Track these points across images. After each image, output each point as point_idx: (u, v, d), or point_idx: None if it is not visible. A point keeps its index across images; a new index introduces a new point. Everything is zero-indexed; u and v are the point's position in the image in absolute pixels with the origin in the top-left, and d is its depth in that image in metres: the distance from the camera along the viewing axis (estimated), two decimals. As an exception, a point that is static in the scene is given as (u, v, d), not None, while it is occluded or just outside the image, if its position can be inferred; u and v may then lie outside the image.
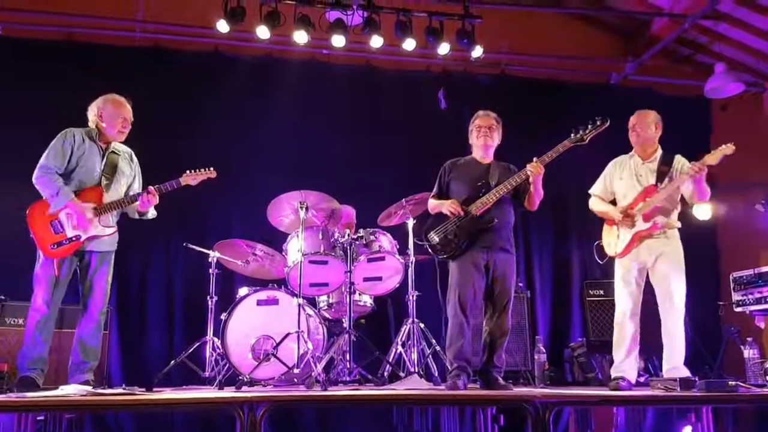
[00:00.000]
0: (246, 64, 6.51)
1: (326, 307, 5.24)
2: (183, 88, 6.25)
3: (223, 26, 5.61)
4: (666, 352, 4.18)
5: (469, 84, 6.89)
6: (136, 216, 4.37)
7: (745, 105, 7.11)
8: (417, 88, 6.78)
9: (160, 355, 5.60)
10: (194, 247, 5.20)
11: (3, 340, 4.72)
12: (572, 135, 4.16)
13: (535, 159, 4.07)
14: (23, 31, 6.09)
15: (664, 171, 4.36)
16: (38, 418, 3.87)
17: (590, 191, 4.67)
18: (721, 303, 5.86)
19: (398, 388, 4.23)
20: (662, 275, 4.23)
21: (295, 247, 4.87)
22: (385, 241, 5.10)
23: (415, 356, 4.74)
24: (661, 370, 4.31)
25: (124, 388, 4.19)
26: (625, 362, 4.22)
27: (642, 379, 4.72)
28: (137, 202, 4.22)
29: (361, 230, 5.07)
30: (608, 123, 4.18)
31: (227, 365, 4.62)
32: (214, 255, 5.14)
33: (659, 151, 4.45)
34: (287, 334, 4.35)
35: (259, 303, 4.70)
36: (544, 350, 5.42)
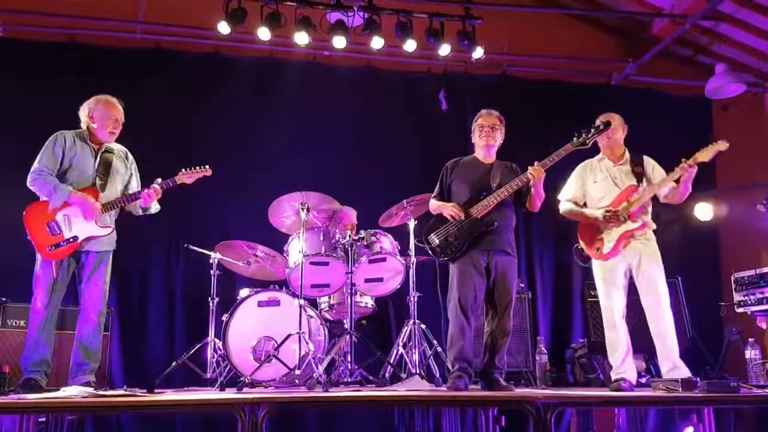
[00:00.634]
0: (247, 65, 6.51)
1: (327, 309, 5.25)
2: (184, 89, 6.26)
3: (224, 28, 5.61)
4: (662, 352, 4.16)
5: (470, 85, 6.89)
6: (140, 212, 4.37)
7: (746, 105, 7.11)
8: (418, 89, 6.79)
9: (162, 357, 5.60)
10: (195, 248, 5.20)
11: (4, 342, 4.72)
12: (574, 139, 4.15)
13: (536, 163, 4.07)
14: (24, 32, 6.09)
15: (639, 171, 4.39)
16: (40, 419, 3.89)
17: (560, 197, 4.62)
18: (722, 303, 5.85)
19: (399, 390, 4.22)
20: (649, 276, 4.22)
21: (297, 249, 4.87)
22: (386, 242, 5.10)
23: (416, 357, 4.73)
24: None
25: (125, 390, 4.20)
26: (624, 364, 4.21)
27: (643, 380, 4.72)
28: (140, 200, 4.23)
29: (362, 231, 5.06)
30: (611, 127, 4.18)
31: (228, 366, 4.62)
32: (215, 256, 5.14)
33: (627, 153, 4.47)
34: (288, 336, 4.35)
35: (261, 304, 4.70)
36: (545, 351, 5.42)
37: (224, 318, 4.70)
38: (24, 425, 3.59)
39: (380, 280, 5.05)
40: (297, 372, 4.27)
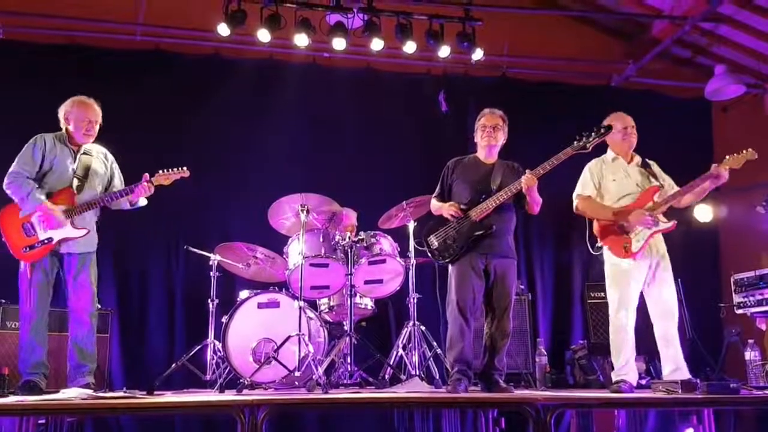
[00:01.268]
0: (247, 67, 6.51)
1: (327, 310, 5.25)
2: (184, 90, 6.25)
3: (223, 29, 5.61)
4: (667, 354, 4.16)
5: (470, 86, 6.88)
6: (128, 206, 4.38)
7: (745, 107, 7.11)
8: (418, 91, 6.78)
9: (161, 359, 5.60)
10: (195, 250, 5.20)
11: (3, 344, 4.72)
12: (575, 143, 4.12)
13: (528, 171, 4.06)
14: (24, 33, 6.09)
15: (652, 173, 4.39)
16: (39, 421, 3.88)
17: (578, 193, 4.53)
18: (722, 305, 5.85)
19: (399, 391, 4.22)
20: (665, 279, 4.24)
21: (296, 250, 4.87)
22: (386, 243, 5.10)
23: (416, 359, 4.73)
24: (662, 372, 4.31)
25: (125, 392, 4.20)
26: (627, 366, 4.21)
27: (643, 382, 4.71)
28: (129, 195, 4.23)
29: (362, 233, 5.06)
30: (612, 130, 4.16)
31: (228, 368, 4.62)
32: (214, 258, 5.14)
33: (636, 155, 4.49)
34: (288, 337, 4.34)
35: (260, 306, 4.70)
36: (545, 352, 5.42)
37: (224, 320, 4.69)
38: (23, 427, 3.59)
39: (380, 281, 5.05)
40: (297, 374, 4.26)
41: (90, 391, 3.72)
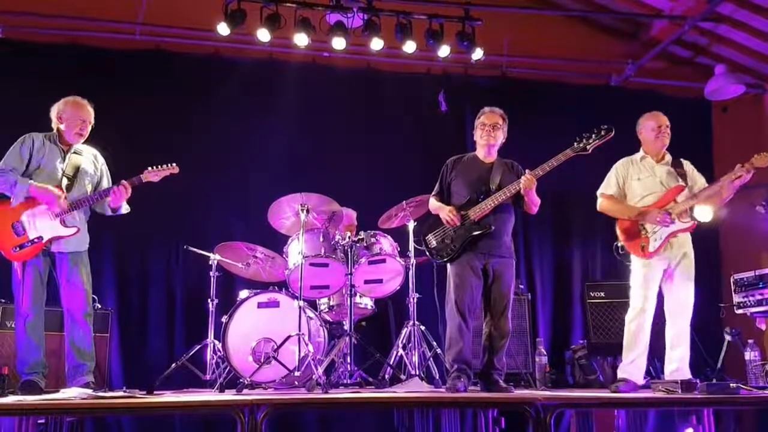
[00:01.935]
0: (247, 66, 6.50)
1: (327, 310, 5.25)
2: (184, 90, 6.24)
3: (223, 29, 5.61)
4: (673, 354, 4.17)
5: (470, 86, 6.88)
6: (109, 212, 4.36)
7: (745, 106, 7.10)
8: (417, 91, 6.77)
9: (161, 358, 5.58)
10: (195, 249, 5.20)
11: (3, 344, 4.72)
12: (575, 144, 4.11)
13: (527, 171, 4.06)
14: (24, 33, 6.09)
15: (681, 173, 4.38)
16: (39, 421, 3.88)
17: (601, 192, 4.54)
18: (722, 305, 5.85)
19: (399, 391, 4.22)
20: (683, 279, 4.24)
21: (296, 250, 4.87)
22: (386, 243, 5.10)
23: (416, 359, 4.73)
24: (663, 372, 4.31)
25: (125, 392, 4.20)
26: (633, 364, 4.21)
27: (643, 381, 4.72)
28: (108, 198, 4.22)
29: (361, 232, 5.06)
30: (613, 132, 4.11)
31: (228, 368, 4.62)
32: (214, 258, 5.14)
33: (668, 154, 4.47)
34: (288, 337, 4.34)
35: (260, 305, 4.69)
36: (545, 352, 5.42)
37: (224, 319, 4.69)
38: (23, 427, 3.59)
39: (380, 281, 5.05)
40: (296, 373, 4.26)
41: (90, 391, 3.72)
